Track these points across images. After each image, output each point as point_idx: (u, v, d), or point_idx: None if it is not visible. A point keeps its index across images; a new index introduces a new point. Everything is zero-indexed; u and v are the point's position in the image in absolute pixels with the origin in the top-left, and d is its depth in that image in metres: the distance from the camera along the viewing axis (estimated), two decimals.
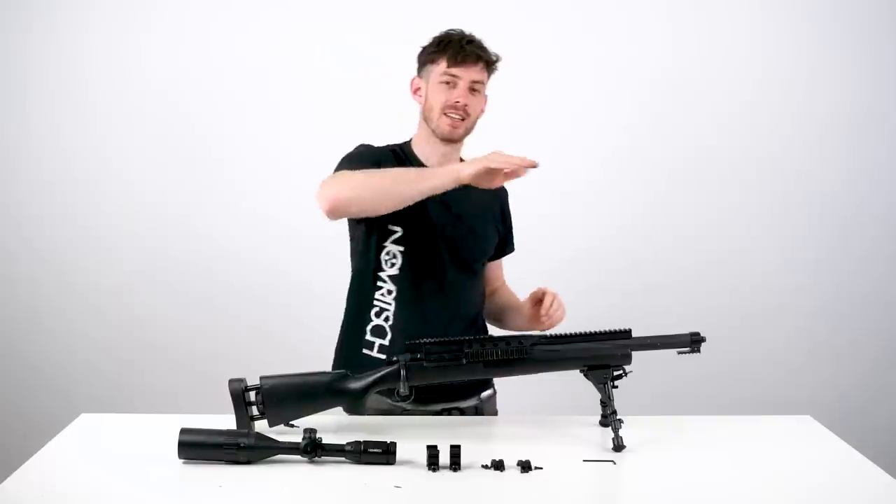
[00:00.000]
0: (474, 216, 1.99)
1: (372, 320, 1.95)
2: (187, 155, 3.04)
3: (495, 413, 2.07)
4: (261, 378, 1.69)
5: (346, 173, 1.83)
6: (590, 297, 3.01)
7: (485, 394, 2.02)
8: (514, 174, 1.72)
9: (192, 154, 3.04)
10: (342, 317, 2.04)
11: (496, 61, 1.94)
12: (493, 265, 2.10)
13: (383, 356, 1.89)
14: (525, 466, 1.54)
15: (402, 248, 1.93)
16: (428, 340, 1.70)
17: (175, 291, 3.07)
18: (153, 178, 3.04)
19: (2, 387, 3.09)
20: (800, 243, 3.07)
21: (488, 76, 1.94)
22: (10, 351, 3.08)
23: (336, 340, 2.04)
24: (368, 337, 1.95)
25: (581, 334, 1.71)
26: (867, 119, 3.03)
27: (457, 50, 1.88)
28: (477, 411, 2.00)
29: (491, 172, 1.70)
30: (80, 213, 3.04)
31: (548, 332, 1.74)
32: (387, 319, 1.94)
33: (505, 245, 2.11)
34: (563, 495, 1.47)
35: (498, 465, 1.54)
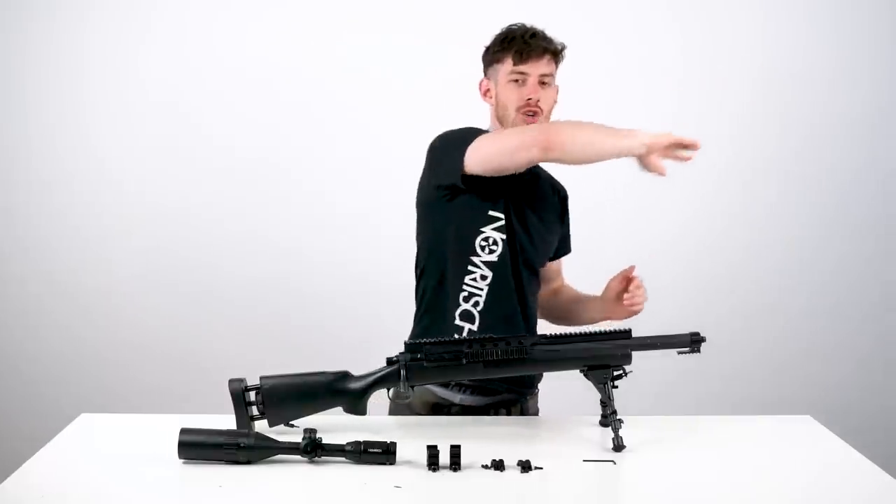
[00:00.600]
0: (546, 214, 2.00)
1: (461, 305, 1.90)
2: (187, 155, 3.04)
3: (537, 412, 2.05)
4: (261, 378, 1.69)
5: (544, 124, 1.85)
6: None
7: (533, 391, 2.00)
8: (679, 157, 1.72)
9: (192, 154, 3.04)
10: (420, 302, 1.97)
11: (562, 50, 1.92)
12: (553, 264, 2.09)
13: None
14: (525, 466, 1.54)
15: (504, 237, 1.89)
16: (428, 340, 1.70)
17: (175, 292, 3.07)
18: (152, 178, 3.04)
19: (2, 387, 3.09)
20: (800, 243, 3.07)
21: (556, 66, 1.93)
22: (10, 351, 3.08)
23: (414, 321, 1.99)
24: (458, 322, 1.90)
25: (581, 334, 1.71)
26: (867, 119, 3.03)
27: (521, 46, 1.86)
28: (522, 411, 1.97)
29: (670, 150, 1.69)
30: (80, 213, 3.04)
31: (548, 333, 1.73)
32: (476, 305, 1.90)
33: (564, 244, 2.10)
34: (563, 495, 1.47)
35: (498, 465, 1.54)
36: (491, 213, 1.89)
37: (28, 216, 3.05)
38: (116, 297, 3.06)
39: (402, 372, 1.68)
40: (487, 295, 1.90)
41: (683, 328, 1.74)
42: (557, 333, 1.72)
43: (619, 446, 1.63)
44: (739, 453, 1.64)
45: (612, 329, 1.72)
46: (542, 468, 1.54)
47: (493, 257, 1.90)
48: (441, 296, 1.92)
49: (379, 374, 1.71)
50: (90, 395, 3.00)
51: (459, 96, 2.81)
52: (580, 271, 2.98)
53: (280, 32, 3.00)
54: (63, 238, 3.05)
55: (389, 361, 1.71)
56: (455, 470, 1.53)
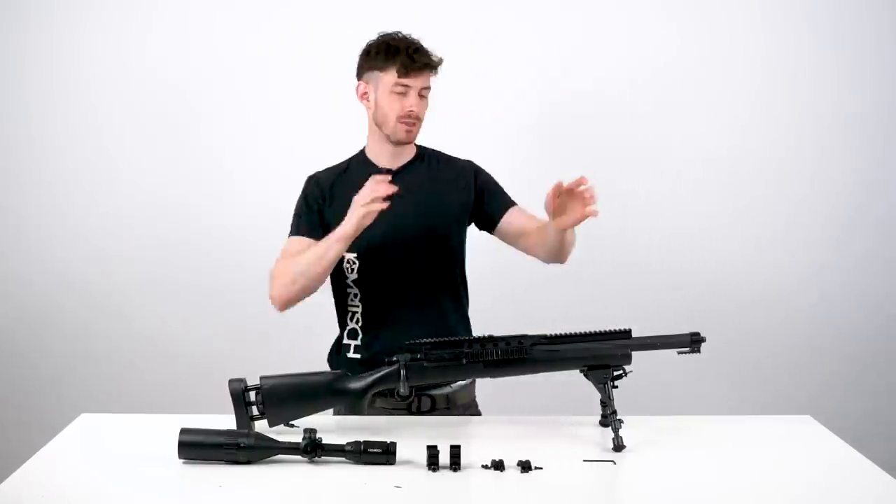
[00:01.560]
0: (423, 209, 2.02)
1: (348, 325, 2.07)
2: (189, 154, 3.04)
3: (472, 399, 2.10)
4: (261, 378, 1.70)
5: (279, 268, 1.97)
6: (590, 297, 3.02)
7: (456, 383, 2.03)
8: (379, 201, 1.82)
9: (193, 154, 3.04)
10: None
11: (440, 63, 2.01)
12: (511, 221, 2.07)
13: (358, 356, 2.02)
14: (525, 466, 1.54)
15: (354, 255, 2.00)
16: (428, 340, 1.71)
17: (176, 291, 3.06)
18: (153, 178, 3.03)
19: (2, 387, 3.09)
20: (800, 243, 3.07)
21: (432, 78, 2.02)
22: (10, 351, 3.08)
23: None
24: (346, 340, 2.07)
25: (581, 334, 1.72)
26: (867, 119, 3.03)
27: (406, 61, 1.95)
28: (449, 400, 2.02)
29: (369, 214, 1.81)
30: (80, 213, 3.04)
31: (548, 333, 1.73)
32: (357, 321, 2.05)
33: (498, 201, 2.09)
34: (563, 495, 1.47)
35: (498, 465, 1.54)
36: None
37: (28, 216, 3.05)
38: (116, 297, 3.06)
39: (402, 372, 1.69)
40: (362, 310, 2.05)
41: (683, 328, 1.74)
42: (557, 333, 1.72)
43: (619, 446, 1.63)
44: (739, 453, 1.64)
45: (612, 329, 1.72)
46: (542, 468, 1.54)
47: (354, 275, 2.03)
48: (340, 317, 2.11)
49: (379, 374, 1.71)
50: (90, 395, 3.00)
51: (461, 97, 2.83)
52: (580, 271, 3.01)
53: (282, 32, 3.00)
54: (63, 238, 3.05)
55: (389, 362, 1.72)
56: (455, 470, 1.53)
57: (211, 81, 3.01)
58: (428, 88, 2.01)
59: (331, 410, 1.82)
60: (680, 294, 3.04)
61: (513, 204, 2.11)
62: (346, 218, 1.85)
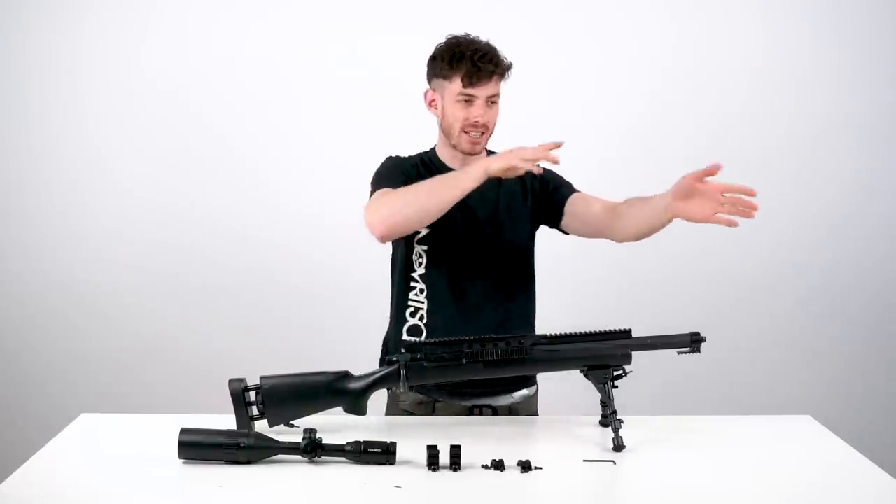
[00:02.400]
0: (498, 214, 1.97)
1: (408, 321, 1.97)
2: (188, 155, 3.04)
3: (534, 411, 2.04)
4: (261, 378, 1.70)
5: (384, 196, 1.83)
6: (590, 297, 3.02)
7: (519, 394, 1.99)
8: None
9: (194, 154, 3.04)
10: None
11: (509, 69, 1.91)
12: (582, 204, 1.99)
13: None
14: (525, 466, 1.54)
15: (425, 248, 1.94)
16: (428, 340, 1.70)
17: (175, 291, 3.07)
18: (153, 178, 3.03)
19: (2, 387, 3.09)
20: (801, 244, 3.07)
21: (502, 83, 1.93)
22: (10, 351, 3.08)
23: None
24: (405, 337, 1.96)
25: (581, 334, 1.71)
26: (867, 118, 3.03)
27: (470, 69, 1.85)
28: (511, 411, 1.97)
29: (515, 167, 1.71)
30: (80, 213, 3.04)
31: (548, 333, 1.73)
32: (421, 318, 1.95)
33: (562, 192, 2.01)
34: (563, 495, 1.47)
35: (498, 465, 1.54)
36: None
37: (27, 216, 3.05)
38: (116, 297, 3.06)
39: (402, 372, 1.69)
40: (428, 307, 1.95)
41: (683, 328, 1.74)
42: (557, 333, 1.71)
43: (619, 446, 1.63)
44: (739, 453, 1.64)
45: (612, 329, 1.72)
46: (542, 468, 1.54)
47: (422, 269, 1.95)
48: (398, 311, 2.00)
49: (379, 374, 1.71)
50: (90, 395, 3.00)
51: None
52: (580, 271, 3.01)
53: (283, 32, 3.00)
54: (63, 238, 3.05)
55: (389, 361, 1.71)
56: (455, 470, 1.53)
57: (208, 83, 3.01)
58: (497, 95, 1.91)
59: (334, 410, 1.80)
60: (680, 294, 3.04)
61: (573, 188, 2.04)
62: (497, 156, 1.74)
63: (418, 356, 1.70)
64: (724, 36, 3.01)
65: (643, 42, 3.01)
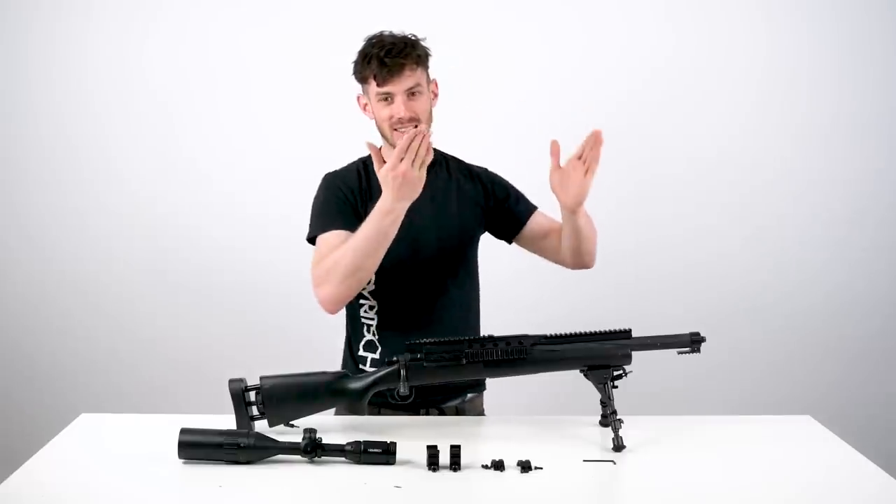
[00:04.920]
0: (438, 213, 1.96)
1: (364, 336, 1.99)
2: (190, 155, 3.04)
3: (481, 411, 2.08)
4: (261, 378, 1.70)
5: (325, 265, 1.82)
6: (590, 297, 3.02)
7: (470, 395, 2.02)
8: (420, 156, 1.70)
9: (195, 154, 3.04)
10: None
11: (423, 56, 1.89)
12: (533, 226, 2.03)
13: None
14: (525, 466, 1.54)
15: None
16: (428, 340, 1.70)
17: (175, 291, 3.07)
18: (155, 178, 3.04)
19: (2, 387, 3.10)
20: (801, 243, 3.07)
21: (425, 69, 1.91)
22: (11, 351, 3.09)
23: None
24: (361, 353, 2.00)
25: (581, 334, 1.71)
26: (868, 119, 3.03)
27: (380, 68, 1.84)
28: (457, 412, 2.00)
29: (404, 178, 1.69)
30: (80, 213, 3.04)
31: (548, 333, 1.73)
32: (374, 334, 1.98)
33: (520, 207, 2.04)
34: (563, 495, 1.47)
35: (498, 465, 1.54)
36: None
37: (27, 216, 3.05)
38: (117, 298, 3.06)
39: (402, 372, 1.68)
40: (378, 322, 1.97)
41: (683, 328, 1.74)
42: (557, 333, 1.72)
43: (619, 446, 1.63)
44: (739, 453, 1.64)
45: (612, 329, 1.72)
46: (542, 468, 1.54)
47: (371, 286, 1.95)
48: (352, 328, 2.02)
49: (379, 374, 1.71)
50: (90, 395, 3.00)
51: (459, 97, 2.82)
52: (580, 271, 3.00)
53: (282, 36, 3.00)
54: (63, 239, 3.05)
55: (389, 361, 1.71)
56: (455, 470, 1.53)
57: (212, 86, 3.02)
58: (418, 86, 1.88)
59: (331, 410, 1.81)
60: (680, 294, 3.05)
61: (535, 208, 2.06)
62: (383, 194, 1.74)
63: (418, 356, 1.70)
64: (724, 37, 3.01)
65: (642, 43, 3.00)
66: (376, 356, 1.97)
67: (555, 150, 1.83)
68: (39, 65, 3.00)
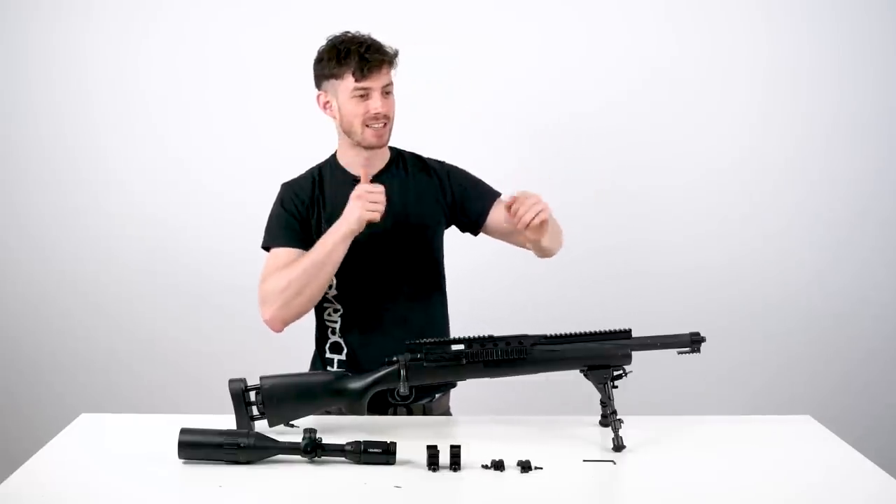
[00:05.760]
0: (396, 211, 1.95)
1: (329, 338, 2.01)
2: (190, 156, 3.04)
3: (447, 410, 2.09)
4: (261, 378, 1.70)
5: (272, 284, 1.85)
6: (590, 297, 3.02)
7: (438, 394, 2.03)
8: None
9: (194, 154, 3.04)
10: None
11: (396, 56, 1.91)
12: (496, 219, 2.00)
13: (343, 370, 1.97)
14: (525, 466, 1.54)
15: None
16: (428, 340, 1.70)
17: (175, 291, 3.06)
18: (154, 179, 3.03)
19: (2, 387, 3.10)
20: (800, 243, 3.07)
21: (393, 71, 1.92)
22: (11, 351, 3.08)
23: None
24: (328, 354, 2.01)
25: (581, 334, 1.72)
26: (870, 120, 3.02)
27: (361, 62, 1.85)
28: (426, 411, 2.00)
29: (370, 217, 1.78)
30: (80, 213, 3.04)
31: (548, 333, 1.73)
32: (339, 335, 2.00)
33: (482, 197, 2.02)
34: (563, 495, 1.47)
35: (498, 465, 1.54)
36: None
37: (27, 216, 3.05)
38: (116, 298, 3.06)
39: (402, 372, 1.68)
40: (341, 324, 1.99)
41: (683, 328, 1.74)
42: (557, 333, 1.72)
43: (619, 446, 1.63)
44: (739, 453, 1.64)
45: (612, 329, 1.72)
46: (542, 468, 1.54)
47: (333, 290, 1.97)
48: (319, 330, 2.04)
49: (379, 375, 1.71)
50: (90, 395, 3.00)
51: (453, 98, 2.82)
52: (580, 271, 3.01)
53: (281, 37, 2.99)
54: (63, 239, 3.05)
55: (389, 361, 1.72)
56: (455, 470, 1.53)
57: (217, 88, 3.01)
58: (391, 85, 1.91)
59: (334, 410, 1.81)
60: (680, 294, 3.04)
61: (495, 196, 2.04)
62: (345, 215, 1.81)
63: (418, 356, 1.70)
64: (724, 38, 3.00)
65: (641, 43, 3.00)
66: (342, 357, 1.99)
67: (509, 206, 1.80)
68: (39, 65, 3.00)
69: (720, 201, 3.05)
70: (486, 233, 2.05)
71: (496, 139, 2.96)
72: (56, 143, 3.03)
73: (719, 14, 3.00)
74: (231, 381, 1.69)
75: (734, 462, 1.60)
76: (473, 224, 2.04)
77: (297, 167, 3.14)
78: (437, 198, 2.02)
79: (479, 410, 2.08)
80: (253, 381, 1.70)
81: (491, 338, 1.71)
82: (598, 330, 1.72)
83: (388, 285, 1.97)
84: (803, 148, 3.04)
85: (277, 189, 3.01)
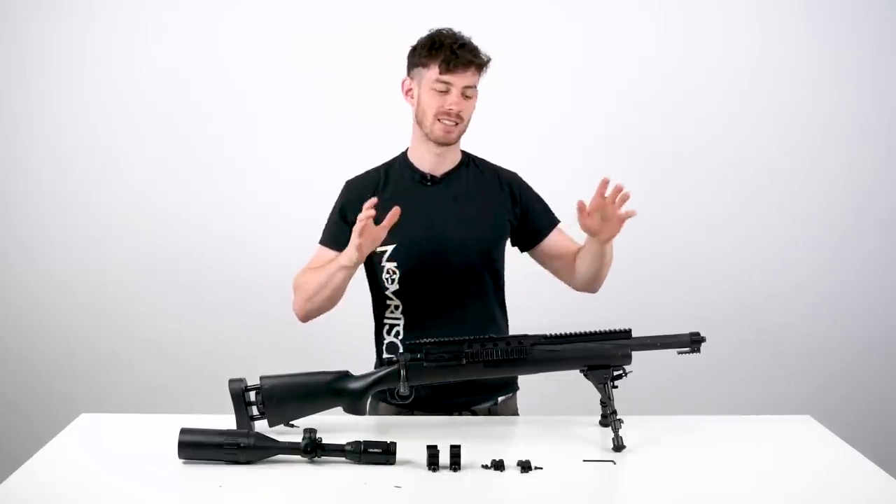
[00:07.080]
0: (466, 219, 1.95)
1: (385, 339, 1.98)
2: (188, 154, 3.04)
3: (515, 413, 2.05)
4: (261, 378, 1.70)
5: (301, 281, 1.94)
6: (590, 298, 3.02)
7: (503, 397, 2.00)
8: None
9: (193, 153, 3.04)
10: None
11: (487, 62, 1.91)
12: (551, 242, 2.02)
13: None
14: (525, 466, 1.54)
15: (395, 265, 1.93)
16: (428, 340, 1.70)
17: (175, 291, 3.06)
18: (154, 178, 3.03)
19: (2, 387, 3.10)
20: (800, 242, 3.07)
21: (480, 78, 1.92)
22: (10, 351, 3.08)
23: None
24: (385, 355, 1.97)
25: (581, 334, 1.72)
26: (868, 119, 3.03)
27: (449, 56, 1.85)
28: (490, 412, 1.98)
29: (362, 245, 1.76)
30: (80, 213, 3.04)
31: (548, 333, 1.73)
32: (397, 335, 1.97)
33: (543, 219, 2.04)
34: (563, 495, 1.47)
35: (498, 465, 1.54)
36: (380, 246, 1.88)
37: (28, 216, 3.05)
38: (116, 298, 3.06)
39: (402, 372, 1.68)
40: (403, 324, 1.96)
41: (683, 328, 1.74)
42: (557, 333, 1.72)
43: (619, 446, 1.63)
44: (739, 453, 1.64)
45: (612, 329, 1.72)
46: (542, 468, 1.54)
47: (395, 286, 1.95)
48: (377, 329, 2.02)
49: (379, 374, 1.71)
50: (90, 395, 3.00)
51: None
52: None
53: (284, 37, 3.00)
54: (63, 238, 3.05)
55: (389, 361, 1.71)
56: (455, 470, 1.53)
57: (213, 86, 3.01)
58: (472, 87, 1.89)
59: (334, 410, 1.80)
60: (680, 294, 3.04)
61: (557, 222, 2.05)
62: (346, 252, 1.80)
63: (418, 356, 1.70)
64: (723, 38, 3.01)
65: (638, 43, 3.00)
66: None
67: (603, 185, 1.78)
68: (38, 65, 3.00)
69: (720, 202, 3.06)
70: (536, 254, 2.05)
71: (488, 136, 2.96)
72: (55, 143, 3.03)
73: (717, 14, 3.00)
74: (231, 381, 1.69)
75: (734, 462, 1.60)
76: (532, 238, 2.03)
77: (297, 167, 3.17)
78: (506, 206, 2.01)
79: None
80: (253, 381, 1.70)
81: (491, 338, 1.71)
82: (598, 330, 1.72)
83: (450, 286, 1.94)
84: (801, 147, 3.04)
85: (277, 189, 3.05)
